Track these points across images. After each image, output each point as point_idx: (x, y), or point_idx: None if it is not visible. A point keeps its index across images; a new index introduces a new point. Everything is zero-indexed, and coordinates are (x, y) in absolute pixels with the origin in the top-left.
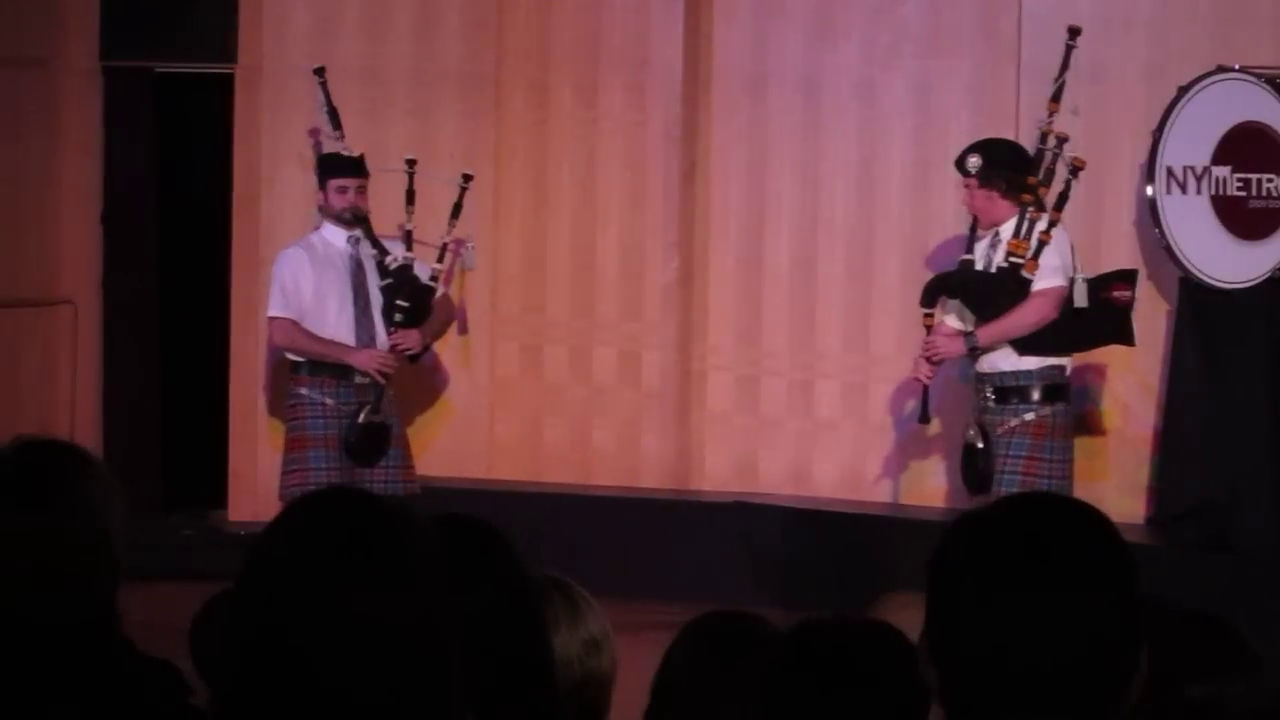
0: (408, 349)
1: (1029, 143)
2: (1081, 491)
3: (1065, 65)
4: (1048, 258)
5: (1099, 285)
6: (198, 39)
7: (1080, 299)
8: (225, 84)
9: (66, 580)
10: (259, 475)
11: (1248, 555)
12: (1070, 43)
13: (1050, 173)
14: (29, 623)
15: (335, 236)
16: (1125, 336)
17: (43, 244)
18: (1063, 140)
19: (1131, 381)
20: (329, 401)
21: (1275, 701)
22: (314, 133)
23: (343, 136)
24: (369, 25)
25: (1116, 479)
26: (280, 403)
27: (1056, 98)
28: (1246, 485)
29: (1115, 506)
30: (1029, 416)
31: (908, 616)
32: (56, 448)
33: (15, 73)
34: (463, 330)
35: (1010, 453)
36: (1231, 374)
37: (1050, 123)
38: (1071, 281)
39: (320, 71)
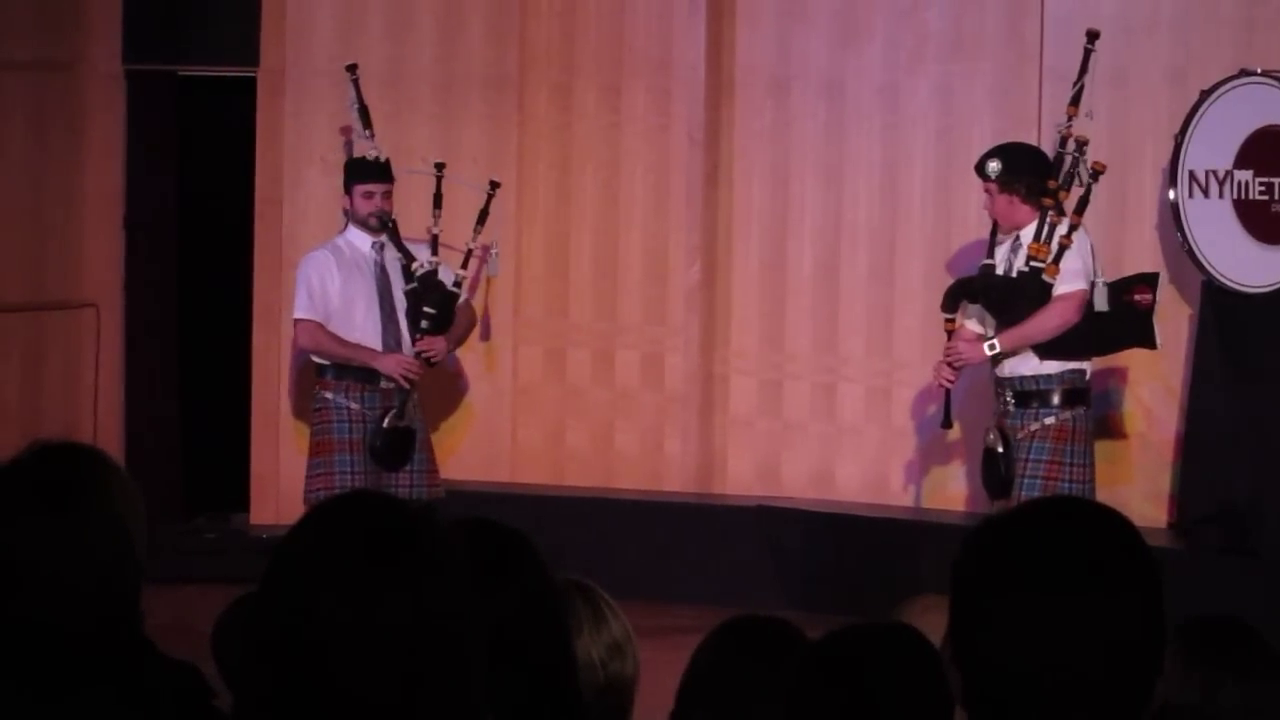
0: (433, 355)
1: (1050, 146)
2: (1104, 496)
3: (1084, 69)
4: (1069, 262)
5: (1120, 289)
6: (220, 42)
7: (1101, 303)
8: (248, 87)
9: (88, 583)
10: (281, 478)
11: (1271, 560)
12: (1089, 46)
13: (1070, 176)
14: (52, 626)
15: (360, 240)
16: (1147, 340)
17: (66, 247)
18: (1083, 144)
19: (1154, 386)
20: (354, 406)
21: None
22: (345, 131)
23: (373, 135)
24: (392, 29)
25: (1139, 483)
26: (304, 406)
27: (1075, 101)
28: (1270, 489)
29: (1138, 511)
30: (1049, 421)
31: (932, 619)
32: (76, 451)
33: (38, 77)
34: (486, 336)
35: (1031, 457)
36: (1254, 378)
37: (1069, 126)
38: (1093, 285)
39: (352, 69)
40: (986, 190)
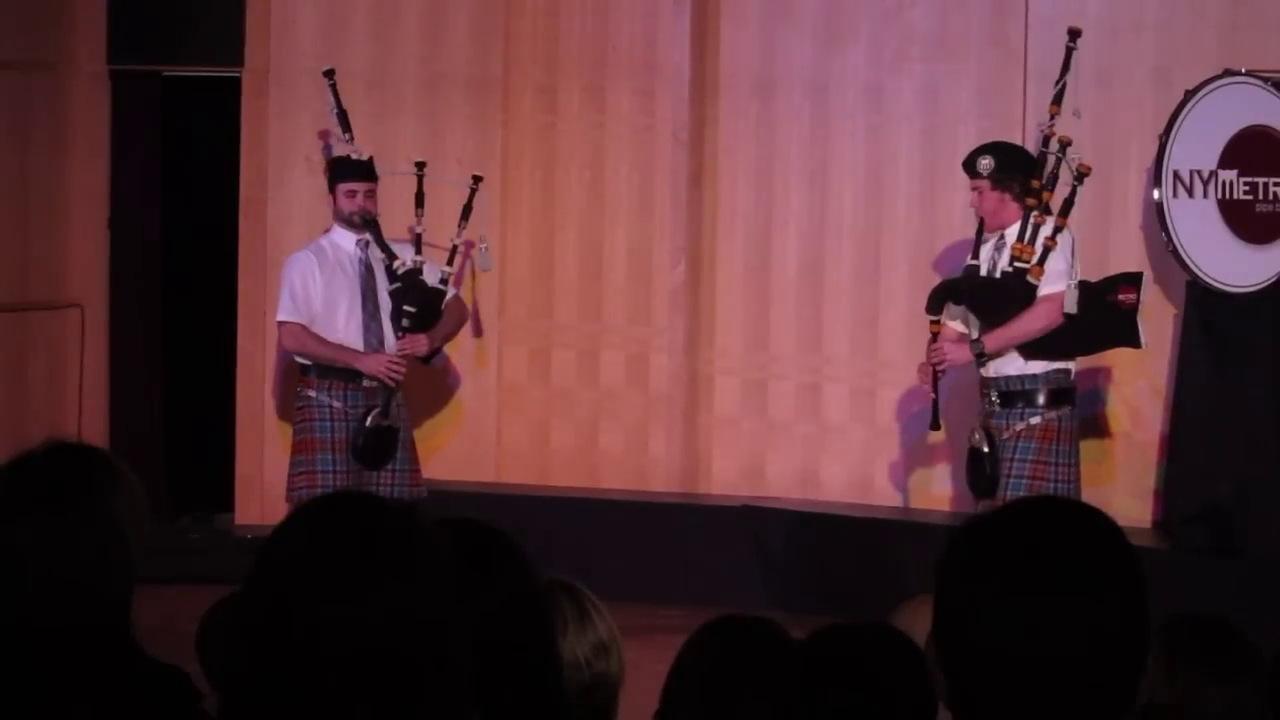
0: (414, 354)
1: (1035, 147)
2: (1089, 495)
3: (1066, 67)
4: (1054, 263)
5: (1104, 288)
6: (204, 43)
7: (1070, 305)
8: (232, 88)
9: (84, 586)
10: (265, 479)
11: (1255, 559)
12: (1070, 44)
13: (1054, 176)
14: (45, 627)
15: (345, 240)
16: (1131, 339)
17: (50, 248)
18: (1066, 144)
19: (1140, 385)
20: (337, 404)
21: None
22: (324, 135)
23: (352, 139)
24: (376, 29)
25: (1124, 482)
26: (289, 406)
27: (1058, 100)
28: (1254, 489)
29: (1123, 510)
30: (1035, 421)
31: (924, 617)
32: (85, 452)
33: (23, 76)
34: (475, 333)
35: (1016, 457)
36: (1239, 377)
37: (1052, 126)
38: (1068, 287)
39: (330, 74)
40: (975, 188)
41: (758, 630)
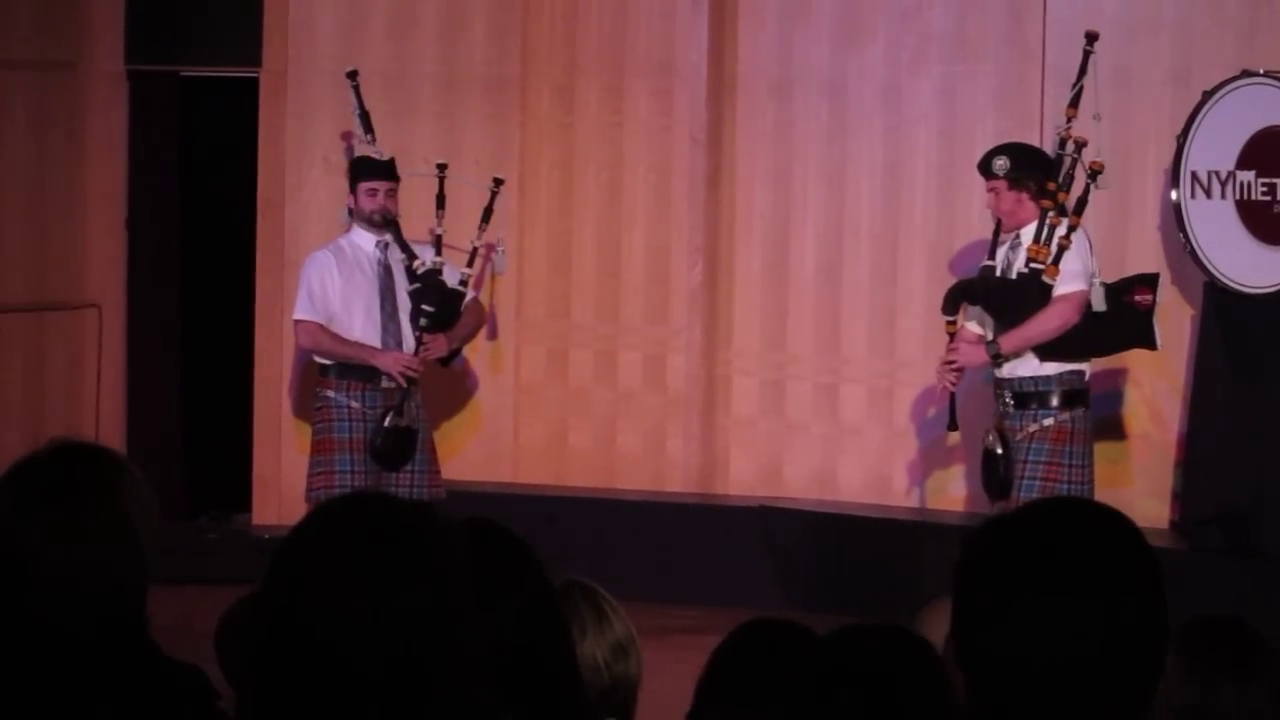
0: (433, 354)
1: (1052, 148)
2: (1107, 496)
3: (1083, 70)
4: (1068, 262)
5: (1120, 289)
6: (222, 43)
7: (1098, 303)
8: (250, 88)
9: (95, 584)
10: (283, 479)
11: (1273, 560)
12: (1088, 48)
13: (1070, 177)
14: (60, 627)
15: (364, 240)
16: (1147, 340)
17: (68, 248)
18: (1081, 145)
19: (1158, 386)
20: (355, 405)
21: None
22: (346, 136)
23: (374, 140)
24: (394, 29)
25: (1143, 483)
26: (306, 406)
27: (1075, 103)
28: (1272, 490)
29: (1141, 511)
30: (1048, 422)
31: (947, 617)
32: (92, 451)
33: (41, 77)
34: (491, 335)
35: (1030, 458)
36: (1257, 378)
37: (1069, 128)
38: (1091, 286)
39: (353, 75)
40: (992, 189)
41: (794, 633)
